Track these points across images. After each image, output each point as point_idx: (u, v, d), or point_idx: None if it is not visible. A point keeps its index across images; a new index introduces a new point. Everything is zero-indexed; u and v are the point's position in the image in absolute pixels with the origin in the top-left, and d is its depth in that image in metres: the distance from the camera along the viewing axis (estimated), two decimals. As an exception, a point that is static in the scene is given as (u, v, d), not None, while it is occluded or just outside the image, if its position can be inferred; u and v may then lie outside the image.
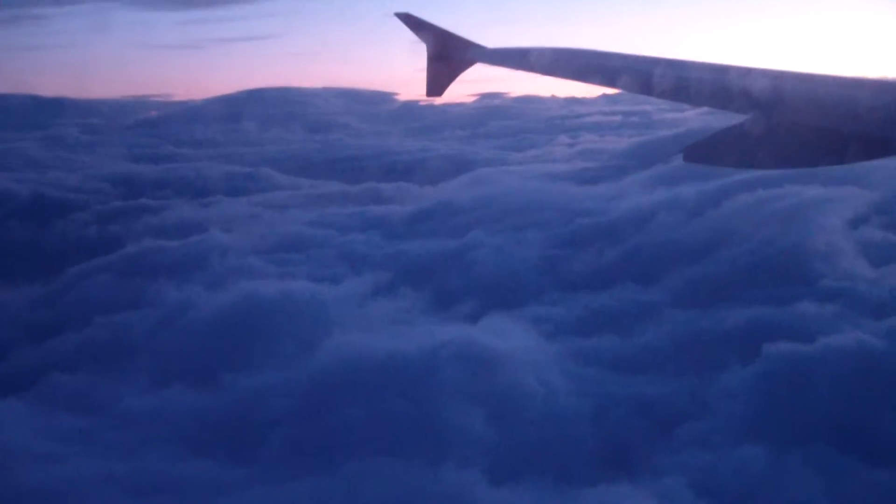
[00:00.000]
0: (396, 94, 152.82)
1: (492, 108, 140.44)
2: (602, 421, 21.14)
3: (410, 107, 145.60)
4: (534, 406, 20.98)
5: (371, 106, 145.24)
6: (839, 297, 27.26)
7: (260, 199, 56.38)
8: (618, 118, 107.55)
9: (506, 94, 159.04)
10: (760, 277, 29.11)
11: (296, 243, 37.55)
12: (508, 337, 23.76)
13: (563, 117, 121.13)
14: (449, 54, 9.58)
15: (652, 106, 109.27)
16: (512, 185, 47.67)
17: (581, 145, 73.49)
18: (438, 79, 9.90)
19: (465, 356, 21.50)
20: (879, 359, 22.57)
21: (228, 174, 71.47)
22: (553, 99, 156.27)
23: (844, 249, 31.20)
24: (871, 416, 20.75)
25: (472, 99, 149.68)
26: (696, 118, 73.96)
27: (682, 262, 31.19)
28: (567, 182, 48.71)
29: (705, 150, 5.14)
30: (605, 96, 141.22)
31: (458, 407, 20.00)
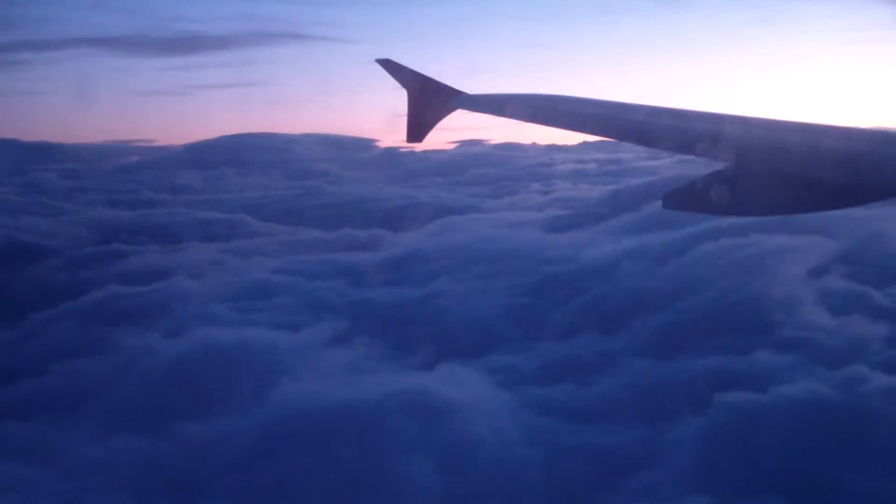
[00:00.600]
0: (377, 140, 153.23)
1: (472, 156, 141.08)
2: (553, 471, 21.07)
3: (391, 153, 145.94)
4: (484, 456, 20.93)
5: (352, 152, 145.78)
6: (796, 346, 27.43)
7: (234, 245, 56.34)
8: (594, 166, 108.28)
9: (486, 141, 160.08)
10: (720, 327, 29.25)
11: (261, 291, 37.50)
12: (462, 386, 23.74)
13: (541, 165, 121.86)
14: (430, 100, 9.62)
15: (631, 154, 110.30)
16: (480, 233, 47.86)
17: (554, 193, 73.90)
18: (419, 125, 9.92)
19: (415, 405, 21.47)
20: (831, 409, 22.71)
21: (204, 220, 71.50)
22: (534, 146, 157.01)
23: (805, 299, 31.45)
24: (820, 467, 20.82)
25: (453, 146, 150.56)
26: (672, 166, 74.77)
27: (645, 311, 31.33)
28: (536, 230, 48.97)
29: (684, 198, 5.11)
30: (585, 143, 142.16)
31: (406, 457, 19.93)
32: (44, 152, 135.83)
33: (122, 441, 21.08)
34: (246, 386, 23.32)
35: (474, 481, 20.07)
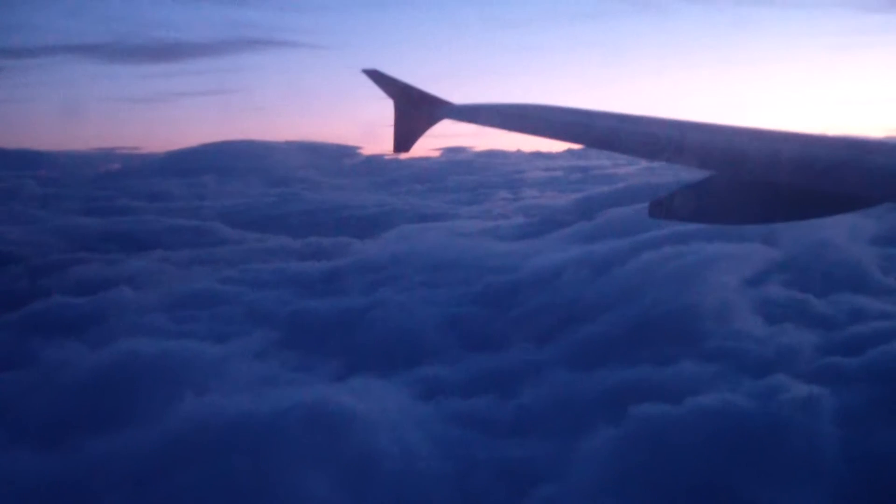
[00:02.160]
0: (360, 147, 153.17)
1: (455, 163, 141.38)
2: (460, 484, 20.89)
3: (374, 161, 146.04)
4: (389, 469, 20.72)
5: (333, 160, 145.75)
6: (722, 356, 27.33)
7: (198, 253, 56.26)
8: (576, 175, 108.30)
9: (470, 148, 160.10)
10: (650, 337, 29.13)
11: (204, 300, 37.29)
12: (375, 398, 23.57)
13: (520, 172, 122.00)
14: (416, 110, 9.61)
15: (609, 160, 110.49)
16: (434, 241, 47.76)
17: (521, 201, 73.91)
18: (405, 135, 9.90)
19: (319, 418, 21.28)
20: (743, 419, 22.59)
21: (175, 228, 71.45)
22: (518, 153, 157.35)
23: (739, 307, 31.36)
24: (730, 478, 20.69)
25: (437, 153, 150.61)
26: (650, 173, 74.79)
27: (579, 322, 31.21)
28: (489, 239, 48.88)
29: (669, 206, 5.13)
30: (570, 151, 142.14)
31: (305, 470, 19.72)
32: (23, 160, 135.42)
33: (21, 455, 20.80)
34: (155, 399, 23.07)
35: (376, 495, 19.89)
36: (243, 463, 19.70)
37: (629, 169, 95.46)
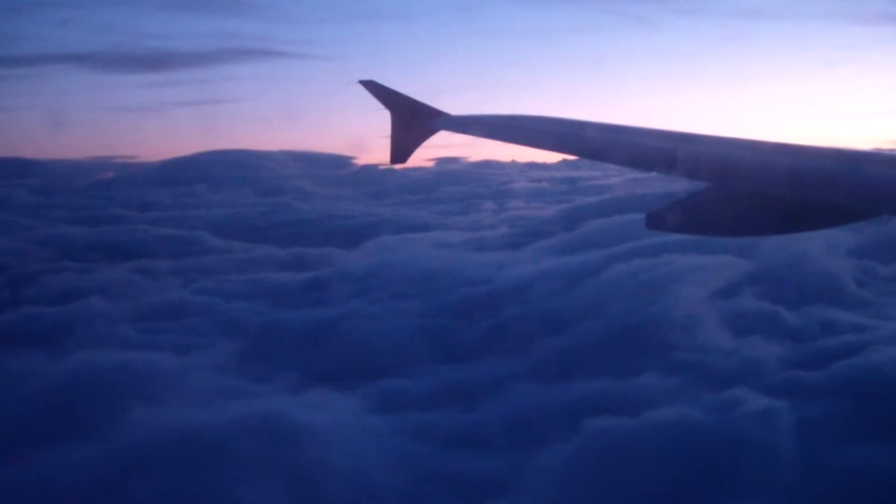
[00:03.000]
0: (354, 158, 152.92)
1: (448, 174, 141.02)
2: (410, 498, 20.76)
3: (369, 171, 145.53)
4: (338, 483, 20.58)
5: (327, 170, 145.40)
6: (686, 369, 27.22)
7: (182, 263, 56.18)
8: (564, 185, 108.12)
9: (464, 158, 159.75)
10: (616, 349, 29.02)
11: (175, 311, 37.15)
12: (329, 411, 23.45)
13: (514, 182, 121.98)
14: (413, 122, 9.59)
15: (603, 171, 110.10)
16: (412, 253, 47.69)
17: (509, 212, 73.83)
18: (402, 146, 9.88)
19: (267, 431, 21.13)
20: (701, 433, 22.48)
21: (162, 237, 71.34)
22: (513, 164, 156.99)
23: (708, 320, 31.25)
24: (684, 492, 20.57)
25: (431, 164, 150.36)
26: (645, 184, 74.64)
27: (547, 334, 31.09)
28: (468, 250, 48.76)
29: (667, 218, 5.15)
30: (565, 162, 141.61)
31: (250, 484, 19.57)
32: (15, 168, 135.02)
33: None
34: (105, 411, 22.89)
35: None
36: (187, 477, 19.55)
37: (618, 179, 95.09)
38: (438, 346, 32.02)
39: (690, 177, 4.96)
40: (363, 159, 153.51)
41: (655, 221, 5.19)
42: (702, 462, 21.37)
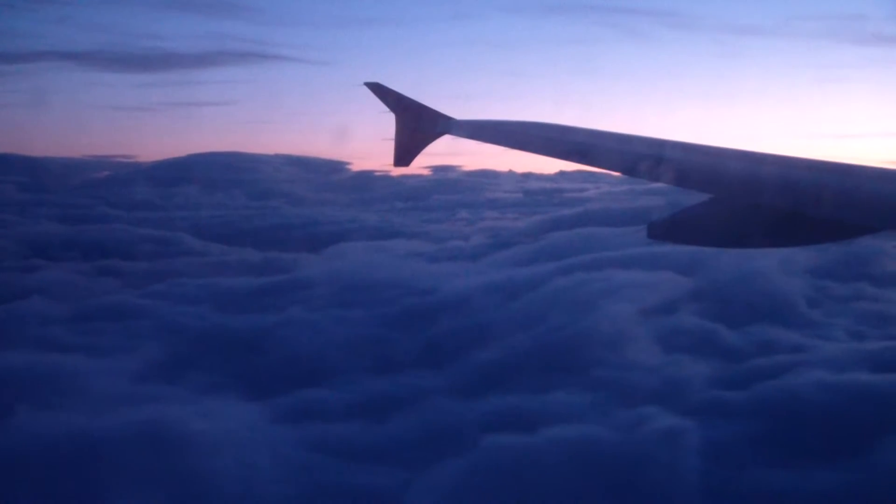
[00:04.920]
0: (349, 163, 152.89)
1: (442, 182, 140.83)
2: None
3: (364, 177, 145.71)
4: (222, 492, 20.35)
5: (321, 175, 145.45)
6: (605, 386, 26.95)
7: (152, 264, 56.38)
8: (553, 197, 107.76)
9: (460, 167, 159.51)
10: (541, 364, 28.76)
11: (117, 313, 36.99)
12: (229, 419, 23.23)
13: (507, 192, 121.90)
14: (417, 125, 9.63)
15: (597, 183, 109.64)
16: (368, 261, 47.53)
17: (483, 222, 73.71)
18: (406, 149, 9.93)
19: (158, 438, 20.91)
20: (598, 451, 22.21)
21: (141, 238, 71.40)
22: (509, 174, 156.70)
23: (640, 336, 30.94)
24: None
25: (428, 171, 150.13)
26: (635, 196, 74.39)
27: (475, 347, 30.84)
28: (427, 260, 48.57)
29: (668, 228, 5.20)
30: (562, 172, 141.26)
31: (129, 490, 19.35)
32: (7, 163, 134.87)
33: None
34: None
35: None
36: (72, 482, 19.35)
37: (611, 191, 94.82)
38: (369, 356, 31.78)
39: (705, 190, 4.97)
40: (359, 165, 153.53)
41: (656, 231, 5.25)
42: (594, 480, 21.07)
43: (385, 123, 9.89)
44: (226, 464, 20.97)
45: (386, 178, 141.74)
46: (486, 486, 20.94)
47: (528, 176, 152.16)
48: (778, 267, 41.83)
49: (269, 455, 22.35)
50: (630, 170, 5.94)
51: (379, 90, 9.72)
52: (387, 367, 30.46)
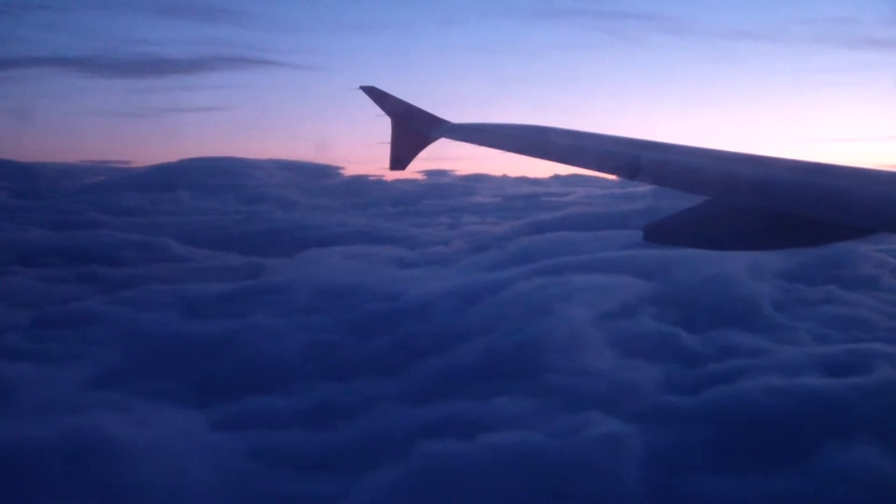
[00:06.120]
0: (342, 168, 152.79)
1: (435, 186, 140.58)
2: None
3: (356, 181, 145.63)
4: (152, 501, 20.27)
5: (314, 179, 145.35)
6: (551, 391, 26.85)
7: (133, 270, 56.35)
8: (519, 202, 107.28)
9: (454, 171, 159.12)
10: (489, 370, 28.66)
11: (79, 319, 36.93)
12: (167, 426, 23.13)
13: (496, 196, 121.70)
14: (414, 129, 9.63)
15: (590, 188, 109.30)
16: (339, 266, 47.49)
17: (462, 227, 73.64)
18: (402, 153, 9.92)
19: (83, 446, 20.83)
20: (535, 457, 22.11)
21: (126, 243, 71.31)
22: (504, 178, 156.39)
23: (593, 341, 30.83)
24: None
25: (422, 176, 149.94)
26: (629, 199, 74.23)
27: (430, 353, 30.76)
28: (401, 265, 48.54)
29: (665, 231, 5.23)
30: (557, 177, 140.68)
31: (56, 501, 19.29)
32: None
33: None
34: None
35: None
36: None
37: (601, 195, 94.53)
38: (326, 362, 31.69)
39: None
40: (352, 169, 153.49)
41: (653, 234, 5.25)
42: (527, 486, 20.98)
43: (379, 127, 9.92)
44: (154, 472, 20.85)
45: (379, 183, 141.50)
46: (420, 493, 20.83)
47: (521, 180, 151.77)
48: (747, 270, 41.75)
49: (204, 463, 22.24)
50: (621, 172, 5.99)
51: (375, 94, 9.78)
52: (341, 374, 30.34)
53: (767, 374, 28.71)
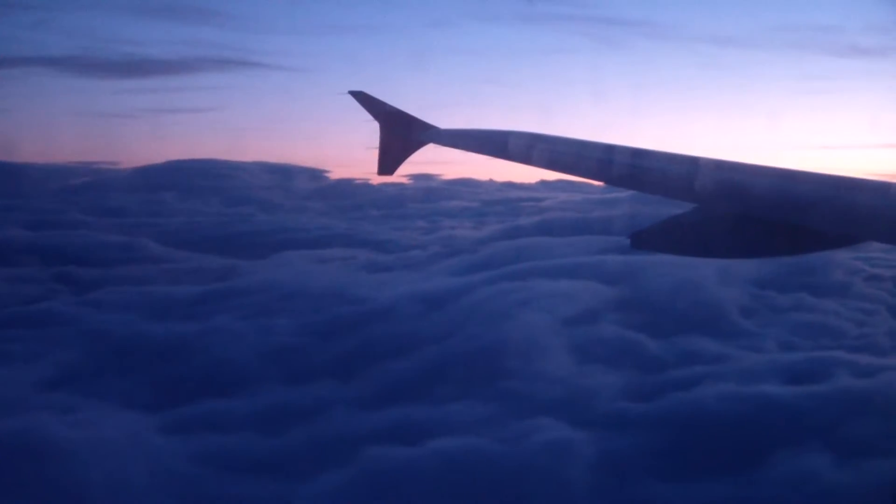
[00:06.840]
0: (328, 171, 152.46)
1: (421, 190, 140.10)
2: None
3: (342, 185, 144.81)
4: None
5: (300, 182, 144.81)
6: (504, 397, 26.69)
7: (107, 271, 55.97)
8: (498, 207, 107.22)
9: (441, 176, 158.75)
10: (449, 375, 28.46)
11: (41, 320, 36.64)
12: (112, 429, 22.91)
13: (479, 201, 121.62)
14: (402, 134, 9.64)
15: (572, 193, 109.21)
16: (309, 269, 47.31)
17: (440, 231, 73.54)
18: (390, 157, 9.94)
19: (27, 448, 20.62)
20: (479, 463, 21.97)
21: (104, 244, 70.92)
22: (490, 182, 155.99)
23: (553, 347, 30.68)
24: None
25: (408, 180, 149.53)
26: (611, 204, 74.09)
27: (389, 357, 30.57)
28: (375, 269, 48.37)
29: (652, 237, 5.16)
30: (542, 182, 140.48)
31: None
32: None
33: None
34: None
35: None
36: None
37: (580, 200, 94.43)
38: (286, 366, 31.45)
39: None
40: (338, 173, 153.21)
41: (640, 241, 5.18)
42: (469, 491, 20.83)
43: (367, 131, 9.90)
44: (92, 475, 20.62)
45: (365, 186, 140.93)
46: (364, 497, 20.67)
47: (508, 185, 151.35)
48: (719, 277, 41.65)
49: (146, 466, 22.02)
50: (606, 178, 6.03)
51: (363, 98, 9.75)
52: (297, 378, 30.13)
53: (726, 380, 28.57)
